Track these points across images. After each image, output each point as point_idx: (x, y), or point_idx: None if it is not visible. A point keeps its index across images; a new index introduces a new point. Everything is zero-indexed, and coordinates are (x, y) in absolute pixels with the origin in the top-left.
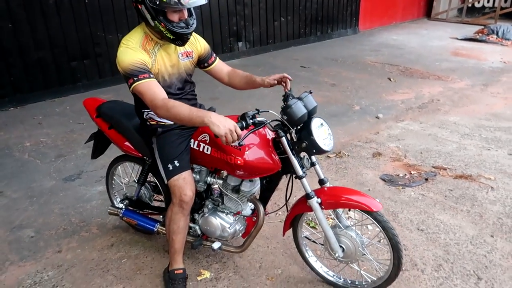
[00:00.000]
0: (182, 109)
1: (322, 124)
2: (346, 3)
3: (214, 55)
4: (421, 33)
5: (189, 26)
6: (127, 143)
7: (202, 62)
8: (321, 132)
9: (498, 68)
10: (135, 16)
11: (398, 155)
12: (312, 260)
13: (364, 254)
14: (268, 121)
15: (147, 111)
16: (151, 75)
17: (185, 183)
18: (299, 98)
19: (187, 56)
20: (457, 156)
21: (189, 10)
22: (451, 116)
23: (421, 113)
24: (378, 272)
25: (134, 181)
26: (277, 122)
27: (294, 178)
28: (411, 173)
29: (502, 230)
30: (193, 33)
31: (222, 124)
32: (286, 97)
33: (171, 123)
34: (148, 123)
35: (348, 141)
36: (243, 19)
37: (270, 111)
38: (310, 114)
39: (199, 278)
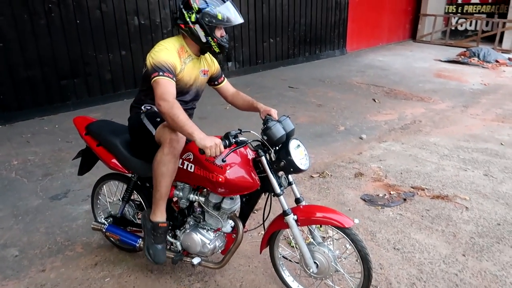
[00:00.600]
0: (181, 115)
1: (299, 145)
2: (333, 25)
3: (223, 76)
4: (406, 54)
5: (227, 41)
6: (114, 160)
7: (212, 80)
8: (298, 152)
9: (478, 90)
10: (126, 35)
11: (379, 176)
12: (289, 280)
13: (337, 270)
14: (249, 141)
15: (148, 105)
16: (174, 78)
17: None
18: (278, 121)
19: (204, 74)
20: (435, 176)
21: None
22: (432, 137)
23: (403, 134)
24: (351, 286)
25: (119, 199)
26: (257, 143)
27: (272, 196)
28: (390, 193)
29: (473, 249)
30: (211, 56)
31: (208, 139)
32: (266, 120)
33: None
34: (140, 110)
35: (332, 161)
36: (233, 40)
37: (251, 131)
38: (288, 136)
39: None
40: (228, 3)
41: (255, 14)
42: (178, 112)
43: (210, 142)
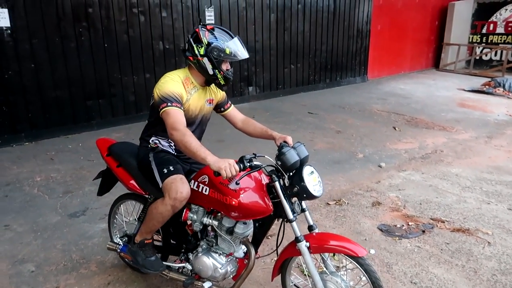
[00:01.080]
0: (193, 142)
1: (312, 172)
2: (355, 52)
3: (229, 102)
4: (429, 83)
5: (231, 75)
6: (132, 181)
7: (218, 107)
8: (311, 179)
9: (503, 120)
10: (151, 59)
11: (397, 205)
12: None
13: None
14: (263, 166)
15: (156, 138)
16: (182, 107)
17: (181, 183)
18: (293, 147)
19: (210, 103)
20: (456, 208)
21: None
22: (454, 167)
23: (424, 164)
24: None
25: (135, 219)
26: (271, 168)
27: (285, 223)
28: (408, 224)
29: (495, 287)
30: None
31: (222, 161)
32: (280, 147)
33: (166, 149)
34: (149, 145)
35: (349, 189)
36: (254, 65)
37: (265, 156)
38: (302, 162)
39: None
40: (236, 39)
41: (276, 40)
42: (190, 140)
43: (224, 164)
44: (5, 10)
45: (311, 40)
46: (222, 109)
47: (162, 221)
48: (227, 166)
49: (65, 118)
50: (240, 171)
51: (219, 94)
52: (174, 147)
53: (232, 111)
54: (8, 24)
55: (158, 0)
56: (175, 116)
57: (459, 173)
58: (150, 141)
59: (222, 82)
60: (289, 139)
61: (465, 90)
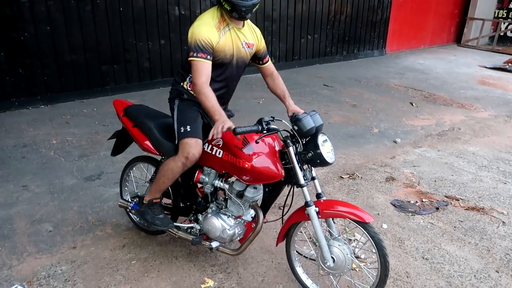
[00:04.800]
0: (207, 100)
1: (326, 140)
2: (374, 24)
3: (268, 56)
4: (449, 59)
5: (245, 0)
6: (147, 142)
7: (257, 59)
8: (325, 146)
9: None
10: (166, 25)
11: (411, 182)
12: (304, 277)
13: (353, 262)
14: (280, 130)
15: (188, 81)
16: (209, 57)
17: (195, 145)
18: (308, 115)
19: (248, 47)
20: (471, 187)
21: None
22: (471, 146)
23: (440, 141)
24: (369, 279)
25: (146, 182)
26: (286, 133)
27: (295, 187)
28: (422, 201)
29: (508, 266)
30: (259, 32)
31: (222, 120)
32: (293, 116)
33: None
34: (181, 84)
35: (363, 163)
36: (270, 34)
37: (283, 120)
38: (317, 130)
39: (202, 286)
40: None
41: (294, 9)
42: (204, 97)
43: (218, 124)
44: None
45: (330, 10)
46: (260, 62)
47: (172, 178)
48: (219, 127)
49: (80, 82)
50: (258, 132)
51: (261, 43)
52: None
53: (269, 66)
54: None
55: None
56: (198, 70)
57: (476, 152)
58: (188, 79)
59: (227, 7)
60: (301, 113)
61: (486, 67)
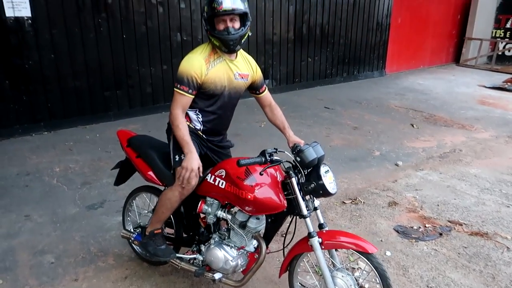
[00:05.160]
0: (179, 131)
1: (328, 170)
2: (374, 45)
3: (265, 86)
4: (448, 78)
5: (230, 34)
6: (150, 172)
7: (254, 89)
8: (327, 177)
9: None
10: (168, 50)
11: (414, 206)
12: None
13: None
14: (283, 161)
15: (189, 109)
16: (190, 91)
17: (191, 174)
18: (310, 146)
19: (242, 78)
20: (474, 211)
21: (240, 20)
22: (472, 168)
23: (442, 163)
24: None
25: (149, 212)
26: (288, 165)
27: (297, 219)
28: (425, 226)
29: None
30: (254, 62)
31: (190, 162)
32: (295, 147)
33: (198, 128)
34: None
35: (365, 188)
36: (271, 57)
37: (285, 152)
38: (319, 161)
39: None
40: None
41: (294, 33)
42: (175, 129)
43: (188, 165)
44: (27, 0)
45: (329, 32)
46: (257, 92)
47: (170, 208)
48: (187, 170)
49: (83, 108)
50: (261, 164)
51: (256, 73)
52: (201, 120)
53: (266, 96)
54: (29, 14)
55: None
56: (176, 100)
57: (478, 174)
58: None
59: (216, 43)
60: (303, 143)
61: (485, 87)
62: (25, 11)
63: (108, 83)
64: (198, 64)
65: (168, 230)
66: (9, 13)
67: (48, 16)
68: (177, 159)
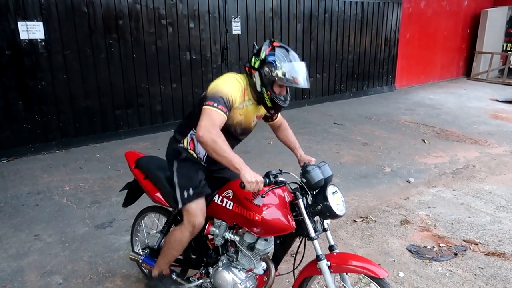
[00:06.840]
0: (226, 148)
1: (336, 191)
2: (383, 60)
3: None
4: (460, 93)
5: (286, 101)
6: (158, 193)
7: (266, 119)
8: (335, 198)
9: None
10: (178, 69)
11: (427, 224)
12: None
13: None
14: (288, 182)
15: (193, 131)
16: (227, 113)
17: (199, 210)
18: (317, 166)
19: (257, 118)
20: (490, 230)
21: (287, 88)
22: (487, 184)
23: (455, 179)
24: None
25: (158, 232)
26: (295, 186)
27: (306, 240)
28: (440, 246)
29: None
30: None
31: (252, 175)
32: (304, 166)
33: (201, 156)
34: (180, 144)
35: (376, 205)
36: None
37: (291, 173)
38: (326, 181)
39: None
40: (298, 64)
41: (303, 50)
42: (221, 146)
43: (251, 178)
44: (40, 23)
45: (337, 49)
46: (270, 119)
47: (181, 249)
48: (253, 182)
49: (94, 127)
50: (265, 186)
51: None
52: None
53: (278, 119)
54: (43, 37)
55: (186, 11)
56: (215, 119)
57: (493, 191)
58: (189, 136)
59: (268, 103)
60: (313, 161)
61: (498, 101)
62: (39, 34)
63: (118, 102)
64: (238, 92)
65: None
66: (23, 35)
67: (61, 38)
68: (185, 196)
